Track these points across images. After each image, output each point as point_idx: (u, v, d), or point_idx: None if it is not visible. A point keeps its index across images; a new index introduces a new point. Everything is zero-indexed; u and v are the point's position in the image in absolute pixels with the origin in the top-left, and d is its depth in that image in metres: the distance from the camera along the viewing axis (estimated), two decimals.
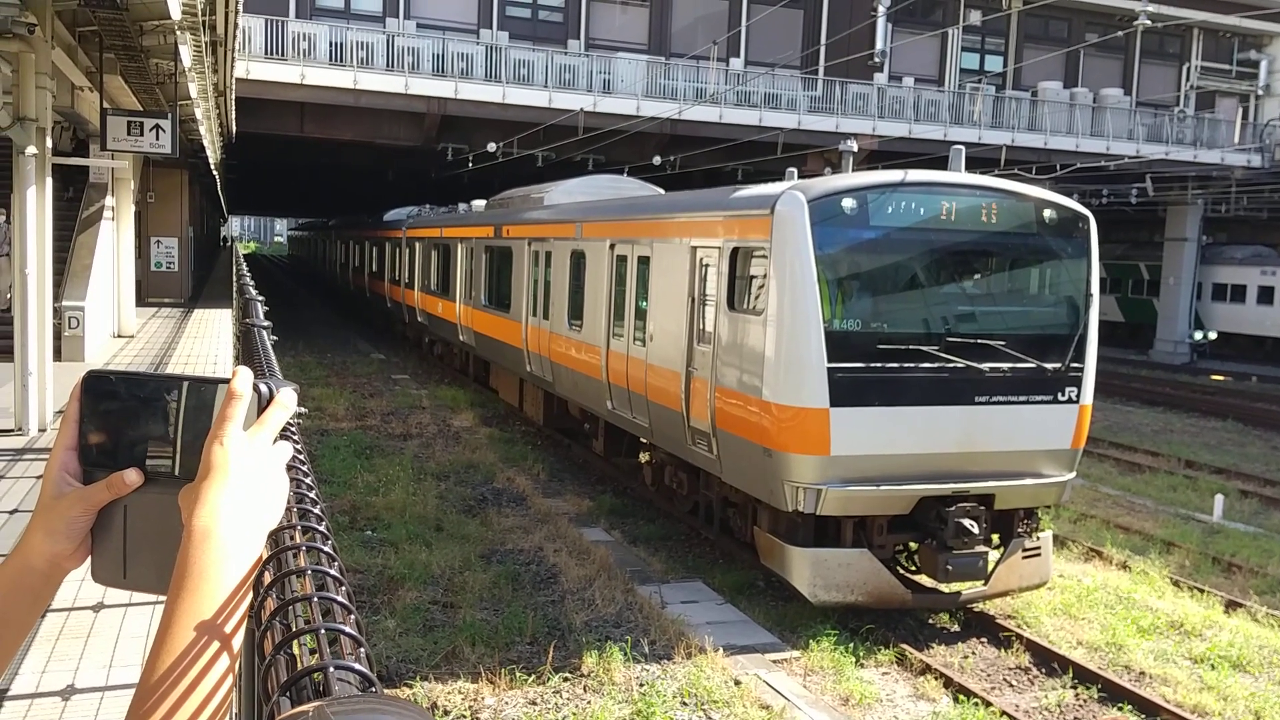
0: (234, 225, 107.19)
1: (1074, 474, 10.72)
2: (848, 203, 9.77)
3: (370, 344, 31.82)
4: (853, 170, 12.07)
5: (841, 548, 9.94)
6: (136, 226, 21.63)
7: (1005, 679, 9.45)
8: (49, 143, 10.37)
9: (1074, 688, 9.17)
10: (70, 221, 16.58)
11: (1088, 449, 13.73)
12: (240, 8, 12.03)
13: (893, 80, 32.52)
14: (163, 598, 0.95)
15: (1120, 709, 8.79)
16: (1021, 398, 10.23)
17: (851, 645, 9.54)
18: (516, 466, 15.95)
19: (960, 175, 10.79)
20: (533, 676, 8.40)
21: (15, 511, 7.11)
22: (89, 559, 1.08)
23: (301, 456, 1.48)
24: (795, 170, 13.47)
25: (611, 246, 13.95)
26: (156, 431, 1.06)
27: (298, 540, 1.12)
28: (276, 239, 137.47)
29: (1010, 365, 10.14)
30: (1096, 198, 32.73)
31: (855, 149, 12.65)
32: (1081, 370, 10.46)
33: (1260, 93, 39.86)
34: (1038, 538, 10.59)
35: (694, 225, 11.79)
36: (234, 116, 22.22)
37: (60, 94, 12.14)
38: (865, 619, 10.10)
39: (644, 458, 14.22)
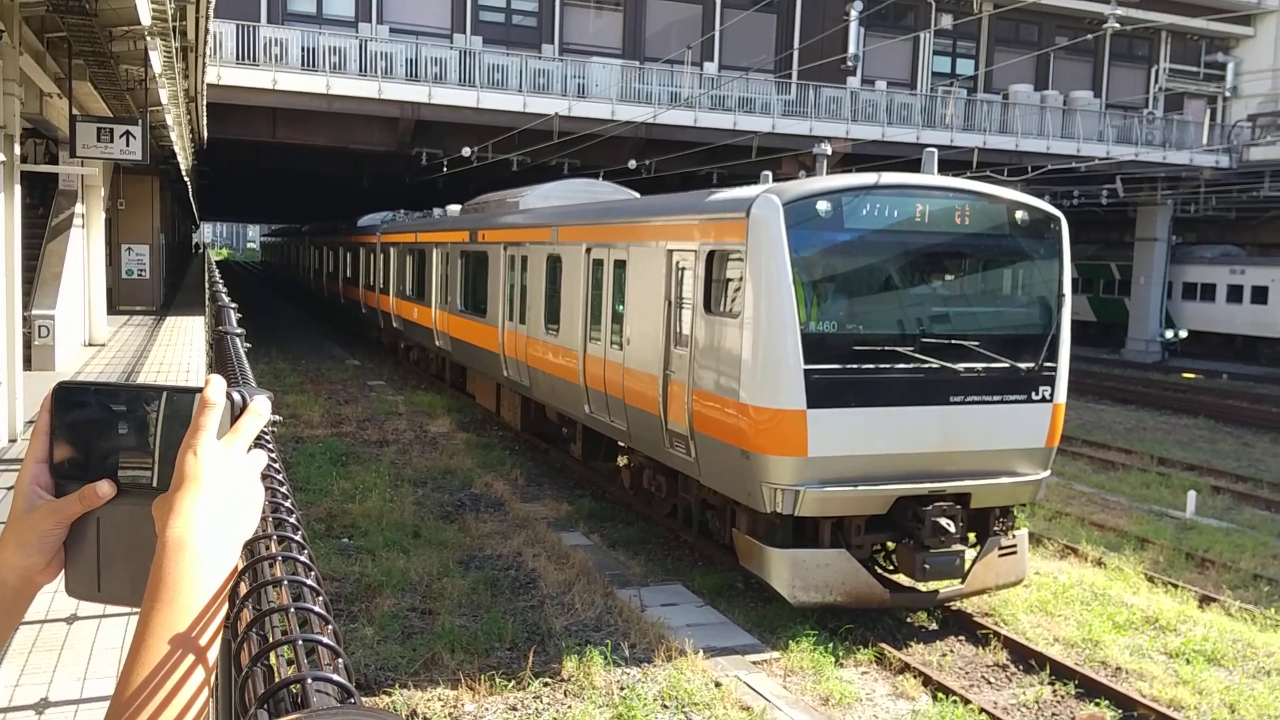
0: (206, 232, 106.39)
1: (1049, 472, 10.81)
2: (822, 205, 9.82)
3: (345, 350, 31.65)
4: (827, 173, 12.11)
5: (820, 548, 9.98)
6: (107, 234, 21.43)
7: (983, 676, 9.51)
8: (18, 150, 10.25)
9: (1051, 684, 9.24)
10: (39, 230, 16.40)
11: (1062, 447, 13.85)
12: (211, 13, 11.93)
13: (865, 84, 32.70)
14: (138, 610, 0.94)
15: (1097, 704, 8.87)
16: (996, 397, 10.30)
17: (831, 645, 9.57)
18: (494, 472, 15.90)
19: (933, 178, 10.87)
20: (513, 682, 8.38)
21: None
22: (62, 572, 1.06)
23: (277, 465, 1.47)
24: (770, 173, 13.52)
25: (588, 250, 13.95)
26: (129, 442, 1.05)
27: (273, 550, 1.11)
28: (249, 245, 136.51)
29: (984, 365, 10.22)
30: (1068, 199, 33.04)
31: (829, 152, 12.69)
32: (1055, 369, 10.55)
33: (1228, 94, 40.37)
34: (1014, 536, 10.67)
35: (670, 229, 11.81)
36: (205, 122, 22.04)
37: (29, 100, 12.00)
38: (844, 619, 10.14)
39: (622, 461, 14.22)
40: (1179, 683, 9.29)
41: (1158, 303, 38.39)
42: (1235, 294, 37.22)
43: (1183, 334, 38.53)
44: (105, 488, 1.04)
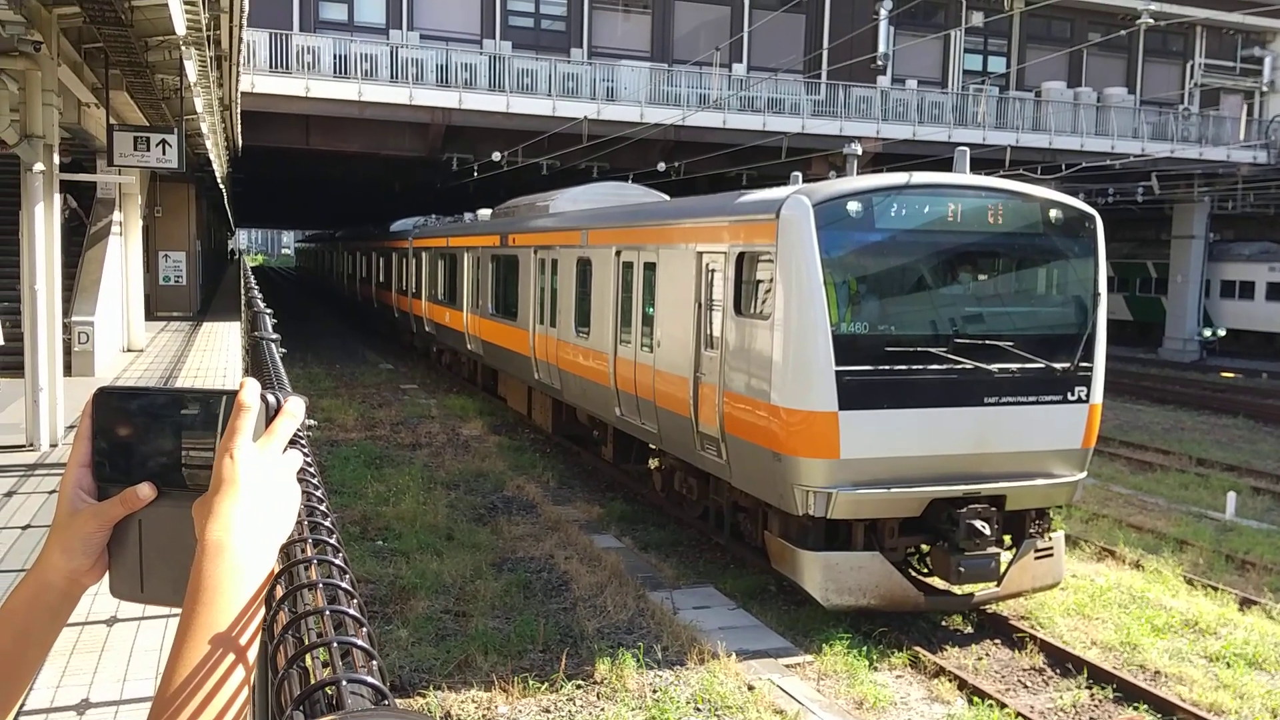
0: (241, 238, 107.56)
1: (1085, 473, 10.69)
2: (853, 206, 9.77)
3: (378, 354, 31.89)
4: (857, 173, 12.06)
5: (853, 551, 9.92)
6: (144, 241, 21.71)
7: (1020, 680, 9.41)
8: (56, 159, 10.43)
9: (1089, 688, 9.13)
10: (76, 242, 16.66)
11: (1098, 448, 13.69)
12: (244, 22, 12.08)
13: (896, 83, 32.51)
14: (179, 610, 0.96)
15: (1136, 708, 8.75)
16: (1031, 398, 10.20)
17: (865, 649, 9.52)
18: (526, 474, 15.95)
19: (965, 176, 10.78)
20: (546, 684, 8.40)
21: (29, 526, 7.13)
22: (106, 574, 1.08)
23: (312, 468, 1.49)
24: (800, 174, 13.48)
25: (618, 253, 13.97)
26: (168, 446, 1.07)
27: (309, 553, 1.13)
28: (284, 251, 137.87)
29: (1019, 366, 10.12)
30: (1102, 197, 32.65)
31: (859, 152, 12.64)
32: (1091, 369, 10.43)
33: (1265, 89, 39.74)
34: (1050, 538, 10.56)
35: (699, 231, 11.80)
36: (240, 130, 22.31)
37: (67, 111, 12.20)
38: (878, 622, 10.07)
39: (653, 464, 14.22)
40: (1219, 686, 9.15)
41: (1195, 301, 37.83)
42: (1275, 292, 36.60)
43: (1221, 332, 37.93)
44: (146, 490, 1.06)
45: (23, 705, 4.47)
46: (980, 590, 10.24)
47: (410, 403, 22.64)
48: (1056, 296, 10.88)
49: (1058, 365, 10.29)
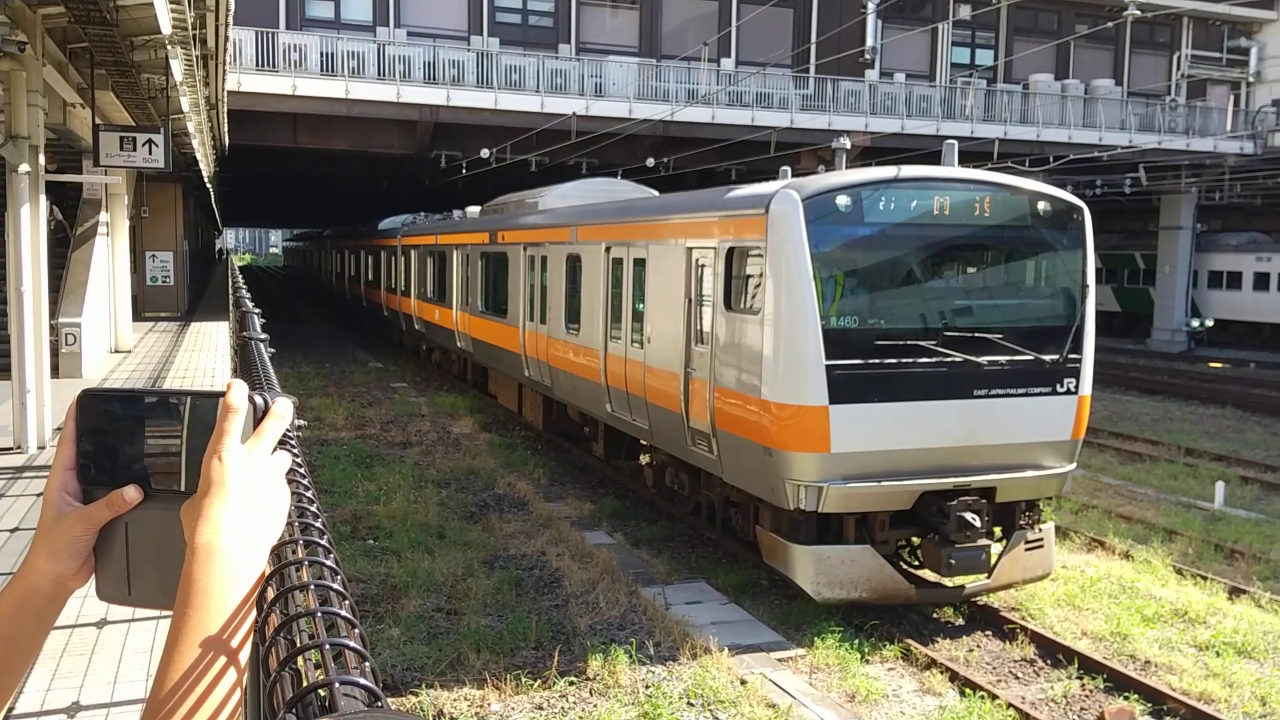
0: (229, 237, 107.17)
1: (1074, 465, 10.73)
2: (842, 200, 9.78)
3: (368, 353, 31.82)
4: (846, 167, 12.07)
5: (844, 545, 9.95)
6: (131, 241, 21.62)
7: (1011, 671, 9.45)
8: (42, 160, 10.37)
9: (1080, 678, 9.17)
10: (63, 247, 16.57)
11: (1088, 439, 13.72)
12: (230, 21, 12.02)
13: (884, 76, 32.55)
14: (167, 613, 0.95)
15: (1126, 698, 8.80)
16: (1020, 390, 10.23)
17: (856, 642, 9.54)
18: (517, 472, 15.94)
19: (953, 170, 10.80)
20: (538, 681, 8.40)
21: (16, 530, 7.10)
22: (93, 577, 1.08)
23: (302, 469, 1.48)
24: (789, 169, 13.47)
25: (607, 249, 13.96)
26: (154, 448, 1.06)
27: (300, 554, 1.12)
28: (272, 250, 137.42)
29: (1008, 358, 10.15)
30: (1090, 188, 32.75)
31: (848, 146, 12.65)
32: (1079, 361, 10.47)
33: (1251, 80, 39.92)
34: (1040, 529, 10.60)
35: (689, 226, 11.79)
36: (226, 129, 22.22)
37: (52, 111, 12.13)
38: (869, 615, 10.10)
39: (644, 460, 14.22)
40: (1209, 675, 9.20)
41: (1183, 292, 38.01)
42: (1262, 281, 36.79)
43: (1209, 323, 38.12)
44: (132, 493, 1.05)
45: (12, 709, 4.46)
46: (971, 582, 10.27)
47: (400, 401, 22.60)
48: (1045, 288, 10.91)
49: (1047, 357, 10.32)
